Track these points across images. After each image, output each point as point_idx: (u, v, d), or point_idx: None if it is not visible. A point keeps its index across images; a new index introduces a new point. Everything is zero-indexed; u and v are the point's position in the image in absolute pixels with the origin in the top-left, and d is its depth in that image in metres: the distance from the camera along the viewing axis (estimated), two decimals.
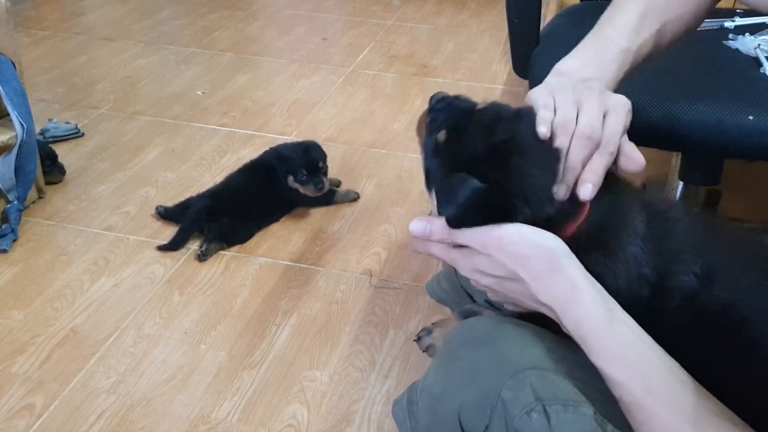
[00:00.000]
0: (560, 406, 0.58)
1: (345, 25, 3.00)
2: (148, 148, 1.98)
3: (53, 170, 1.76)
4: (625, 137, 0.68)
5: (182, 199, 1.69)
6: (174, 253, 1.54)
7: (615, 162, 0.67)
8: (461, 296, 0.95)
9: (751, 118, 0.97)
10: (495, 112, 0.69)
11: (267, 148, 1.75)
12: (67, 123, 2.03)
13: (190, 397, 1.19)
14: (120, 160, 1.91)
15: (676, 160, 1.48)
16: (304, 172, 1.62)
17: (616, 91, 0.74)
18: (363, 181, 1.84)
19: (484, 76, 2.48)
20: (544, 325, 0.67)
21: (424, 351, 1.12)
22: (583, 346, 0.59)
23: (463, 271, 0.67)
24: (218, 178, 1.76)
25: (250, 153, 1.91)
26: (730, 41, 1.20)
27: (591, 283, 0.60)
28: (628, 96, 0.70)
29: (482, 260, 0.64)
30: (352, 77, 2.47)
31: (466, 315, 0.87)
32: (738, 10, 1.31)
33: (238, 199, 1.63)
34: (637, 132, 0.72)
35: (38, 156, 1.63)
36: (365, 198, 1.77)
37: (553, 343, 0.65)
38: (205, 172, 1.86)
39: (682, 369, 0.56)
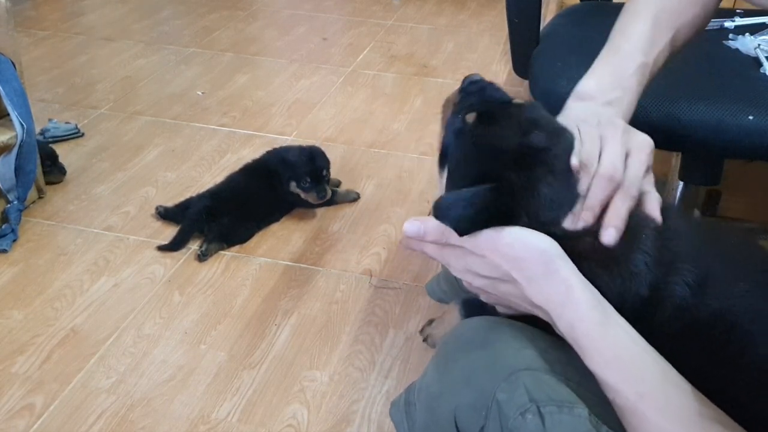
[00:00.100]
0: (555, 407, 0.58)
1: (345, 25, 3.00)
2: (148, 148, 1.98)
3: (54, 170, 1.76)
4: (648, 178, 0.67)
5: (182, 199, 1.69)
6: (174, 253, 1.54)
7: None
8: (460, 297, 0.95)
9: (751, 118, 0.97)
10: (534, 114, 0.68)
11: (267, 148, 1.75)
12: (67, 123, 2.03)
13: (190, 397, 1.19)
14: (120, 160, 1.91)
15: (676, 160, 1.48)
16: (308, 180, 1.61)
17: (637, 105, 0.73)
18: (363, 181, 1.84)
19: (484, 76, 2.47)
20: (537, 326, 0.67)
21: (424, 340, 1.13)
22: (576, 349, 0.59)
23: (456, 271, 0.67)
24: (218, 178, 1.76)
25: (250, 153, 1.91)
26: (730, 41, 1.19)
27: (585, 285, 0.59)
28: None
29: (476, 261, 0.63)
30: (352, 77, 2.47)
31: (464, 303, 0.87)
32: (738, 10, 1.31)
33: (238, 199, 1.63)
34: None
35: (38, 156, 1.63)
36: (365, 198, 1.77)
37: (548, 344, 0.65)
38: (205, 172, 1.86)
39: (677, 372, 0.56)
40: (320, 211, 1.71)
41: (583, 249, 0.62)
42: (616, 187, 0.64)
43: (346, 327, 1.36)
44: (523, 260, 0.60)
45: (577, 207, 0.63)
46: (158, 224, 1.64)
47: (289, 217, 1.69)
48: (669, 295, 0.61)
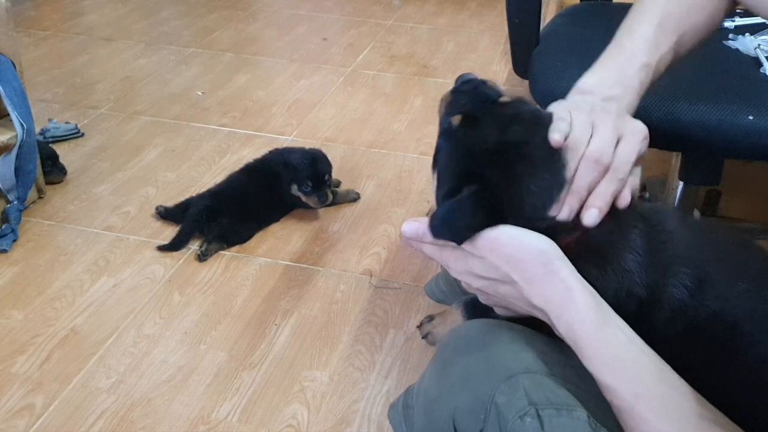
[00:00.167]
0: (553, 410, 0.58)
1: (345, 25, 3.00)
2: (148, 148, 1.98)
3: (54, 170, 1.76)
4: (638, 168, 0.67)
5: (182, 199, 1.69)
6: (174, 253, 1.54)
7: None
8: (460, 298, 0.95)
9: (751, 118, 0.97)
10: (515, 110, 0.68)
11: (268, 148, 1.75)
12: (67, 123, 2.03)
13: (190, 397, 1.19)
14: (120, 160, 1.91)
15: (676, 160, 1.48)
16: (310, 184, 1.61)
17: (638, 106, 0.73)
18: (363, 181, 1.84)
19: (484, 76, 2.46)
20: (536, 327, 0.66)
21: (423, 338, 1.13)
22: (575, 350, 0.59)
23: (455, 273, 0.67)
24: (218, 178, 1.76)
25: (250, 153, 1.91)
26: (730, 41, 1.20)
27: (584, 286, 0.59)
28: None
29: (475, 262, 0.63)
30: (352, 77, 2.47)
31: (465, 304, 0.87)
32: (738, 10, 1.31)
33: (238, 199, 1.63)
34: None
35: (38, 156, 1.63)
36: (365, 198, 1.77)
37: (547, 346, 0.65)
38: (205, 172, 1.86)
39: (675, 374, 0.56)
40: (320, 211, 1.71)
41: (571, 244, 0.62)
42: (604, 171, 0.64)
43: (346, 327, 1.36)
44: (522, 261, 0.60)
45: (563, 193, 0.63)
46: (158, 224, 1.64)
47: (289, 217, 1.69)
48: (667, 297, 0.61)
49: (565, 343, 0.60)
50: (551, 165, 0.63)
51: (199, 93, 2.32)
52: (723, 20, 0.85)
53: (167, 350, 1.29)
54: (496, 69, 2.55)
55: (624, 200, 0.65)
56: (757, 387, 0.58)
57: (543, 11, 1.23)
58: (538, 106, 0.70)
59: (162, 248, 1.55)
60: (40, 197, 1.72)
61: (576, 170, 0.63)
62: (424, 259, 1.53)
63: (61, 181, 1.78)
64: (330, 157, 1.69)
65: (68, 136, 1.99)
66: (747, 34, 1.19)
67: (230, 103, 2.25)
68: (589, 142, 0.64)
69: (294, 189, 1.63)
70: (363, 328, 1.35)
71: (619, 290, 0.62)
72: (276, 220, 1.67)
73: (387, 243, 1.60)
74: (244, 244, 1.59)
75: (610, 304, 0.60)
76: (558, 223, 0.63)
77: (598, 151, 0.64)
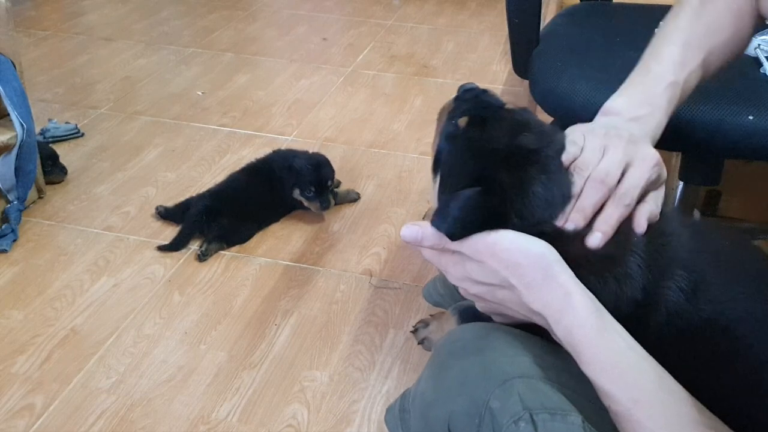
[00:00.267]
0: (548, 414, 0.57)
1: (345, 25, 3.00)
2: (148, 148, 1.98)
3: (54, 170, 1.77)
4: (655, 194, 0.67)
5: (182, 199, 1.69)
6: (174, 253, 1.54)
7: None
8: (457, 301, 0.95)
9: (751, 118, 0.97)
10: (524, 117, 0.68)
11: (268, 148, 1.76)
12: (67, 123, 2.03)
13: (190, 397, 1.19)
14: (120, 160, 1.91)
15: (676, 160, 1.48)
16: (313, 189, 1.61)
17: (667, 124, 0.73)
18: (363, 181, 1.84)
19: (484, 76, 2.48)
20: (533, 331, 0.66)
21: (419, 343, 1.12)
22: (574, 355, 0.59)
23: (453, 279, 0.67)
24: (218, 178, 1.76)
25: (250, 153, 1.91)
26: None
27: (584, 291, 0.59)
28: None
29: (474, 267, 0.63)
30: (352, 77, 2.47)
31: (461, 312, 0.87)
32: None
33: (238, 199, 1.63)
34: None
35: (38, 156, 1.63)
36: (365, 198, 1.77)
37: (543, 350, 0.64)
38: (205, 172, 1.86)
39: (674, 380, 0.56)
40: None
41: (574, 251, 0.62)
42: (608, 192, 0.64)
43: (346, 327, 1.36)
44: (521, 266, 0.60)
45: (568, 208, 0.63)
46: (158, 224, 1.64)
47: (289, 217, 1.69)
48: (663, 300, 0.61)
49: (561, 347, 0.60)
50: (560, 178, 0.64)
51: (199, 93, 2.32)
52: (752, 37, 0.85)
53: (167, 350, 1.29)
54: (496, 69, 2.55)
55: (640, 227, 0.65)
56: (754, 389, 0.58)
57: (543, 11, 1.23)
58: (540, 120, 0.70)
59: (162, 248, 1.55)
60: (40, 197, 1.72)
61: (582, 189, 0.64)
62: (424, 260, 1.52)
63: (61, 181, 1.78)
64: (330, 157, 1.69)
65: (68, 136, 1.99)
66: None
67: (230, 103, 2.25)
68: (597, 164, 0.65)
69: (296, 193, 1.63)
70: (363, 328, 1.35)
71: (619, 295, 0.62)
72: (276, 220, 1.67)
73: (387, 243, 1.60)
74: (244, 244, 1.59)
75: (608, 308, 0.60)
76: (563, 230, 0.63)
77: (604, 172, 0.64)
